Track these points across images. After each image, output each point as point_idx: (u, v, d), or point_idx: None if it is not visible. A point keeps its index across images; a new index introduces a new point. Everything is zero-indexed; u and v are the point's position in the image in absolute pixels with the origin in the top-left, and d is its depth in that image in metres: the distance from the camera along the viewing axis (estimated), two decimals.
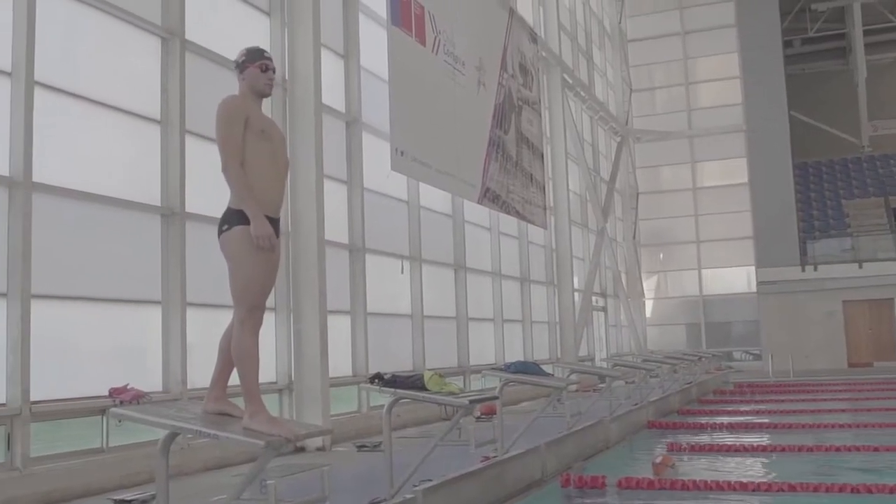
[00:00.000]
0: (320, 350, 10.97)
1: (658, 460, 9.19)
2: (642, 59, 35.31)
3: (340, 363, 12.47)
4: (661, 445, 11.58)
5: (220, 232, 4.89)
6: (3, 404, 7.47)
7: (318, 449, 10.60)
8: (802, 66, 37.20)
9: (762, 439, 12.26)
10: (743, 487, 8.05)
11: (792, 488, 7.95)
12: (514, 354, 19.22)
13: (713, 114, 33.95)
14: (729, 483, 8.11)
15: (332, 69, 12.91)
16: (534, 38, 21.38)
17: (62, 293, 8.37)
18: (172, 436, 4.37)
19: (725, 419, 14.64)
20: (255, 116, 5.00)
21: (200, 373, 9.44)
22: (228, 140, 4.85)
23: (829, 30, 36.97)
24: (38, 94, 8.02)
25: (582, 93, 27.58)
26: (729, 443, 11.67)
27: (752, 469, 9.84)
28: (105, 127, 9.06)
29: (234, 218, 4.83)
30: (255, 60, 5.09)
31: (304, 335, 11.03)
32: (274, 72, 5.17)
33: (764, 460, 10.51)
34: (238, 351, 4.69)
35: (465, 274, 17.29)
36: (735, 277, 33.18)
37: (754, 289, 31.67)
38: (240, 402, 4.74)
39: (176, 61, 9.79)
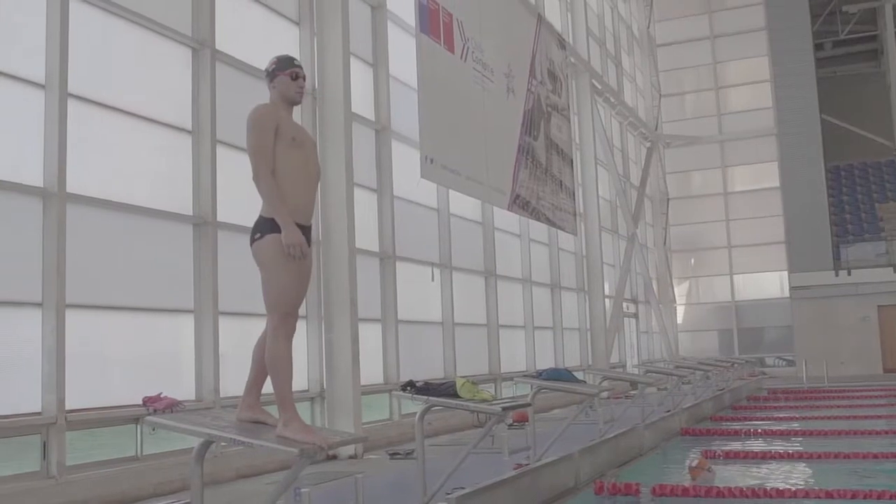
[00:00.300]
0: (352, 358, 10.99)
1: (694, 463, 9.10)
2: (671, 64, 35.14)
3: (372, 371, 12.48)
4: (694, 452, 11.48)
5: (253, 240, 4.90)
6: (38, 413, 7.53)
7: (351, 457, 10.60)
8: (834, 68, 36.83)
9: (797, 446, 12.12)
10: (779, 494, 7.95)
11: (829, 495, 7.84)
12: (545, 361, 19.16)
13: (744, 118, 33.70)
14: (765, 490, 8.02)
15: (361, 78, 12.95)
16: (562, 44, 21.33)
17: (96, 303, 8.43)
18: (207, 444, 4.38)
19: (760, 426, 14.48)
20: (286, 124, 5.01)
21: (233, 381, 9.48)
22: (259, 149, 4.86)
23: (861, 32, 36.56)
24: (72, 105, 8.10)
25: (611, 98, 27.49)
26: (764, 449, 11.54)
27: (788, 476, 9.72)
28: (137, 137, 9.13)
29: (266, 226, 4.84)
30: (285, 69, 5.10)
31: (336, 343, 11.05)
32: (304, 79, 5.17)
33: (799, 467, 10.39)
34: (271, 359, 4.69)
35: (495, 281, 17.26)
36: (767, 283, 32.87)
37: (787, 294, 31.34)
38: (273, 410, 4.74)
39: (207, 72, 9.86)
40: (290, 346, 4.75)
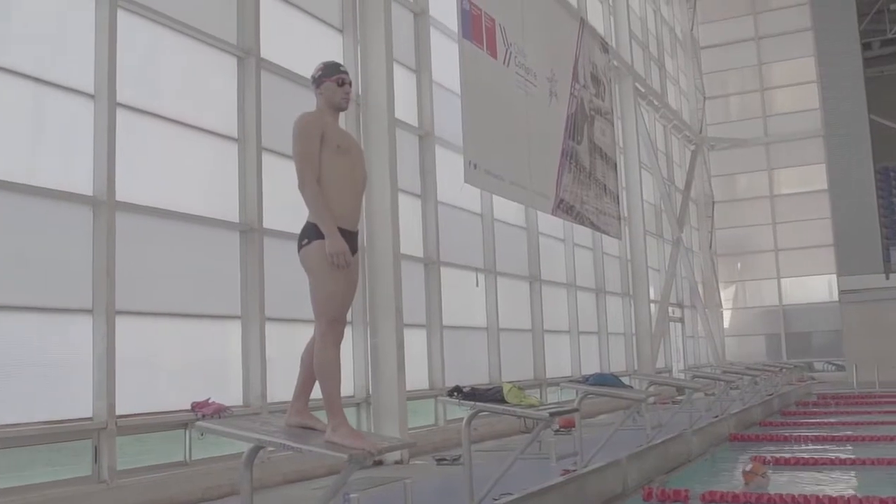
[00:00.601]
0: (397, 364, 11.01)
1: (748, 468, 8.97)
2: (715, 66, 34.81)
3: (417, 377, 12.48)
4: (744, 458, 11.34)
5: (300, 246, 4.93)
6: (90, 418, 7.62)
7: (396, 462, 10.61)
8: (881, 68, 36.22)
9: (848, 452, 11.92)
10: (832, 502, 7.82)
11: (883, 503, 7.70)
12: (590, 367, 19.04)
13: (790, 119, 33.27)
14: (818, 497, 7.89)
15: (404, 84, 12.98)
16: (605, 47, 21.23)
17: (145, 309, 8.52)
18: (256, 449, 4.40)
19: (810, 431, 14.27)
20: (332, 131, 5.02)
21: (279, 386, 9.54)
22: (304, 156, 4.88)
23: None
24: (120, 115, 8.20)
25: (655, 101, 27.31)
26: (815, 456, 11.36)
27: (840, 482, 9.57)
28: (184, 145, 9.23)
29: (313, 232, 4.86)
30: (331, 75, 5.12)
31: (381, 349, 11.08)
32: (350, 86, 5.20)
33: (851, 474, 10.22)
34: (320, 364, 4.71)
35: (539, 286, 17.20)
36: (816, 286, 32.39)
37: (836, 297, 30.87)
38: (322, 415, 4.75)
39: (252, 80, 9.94)
40: (339, 352, 4.76)
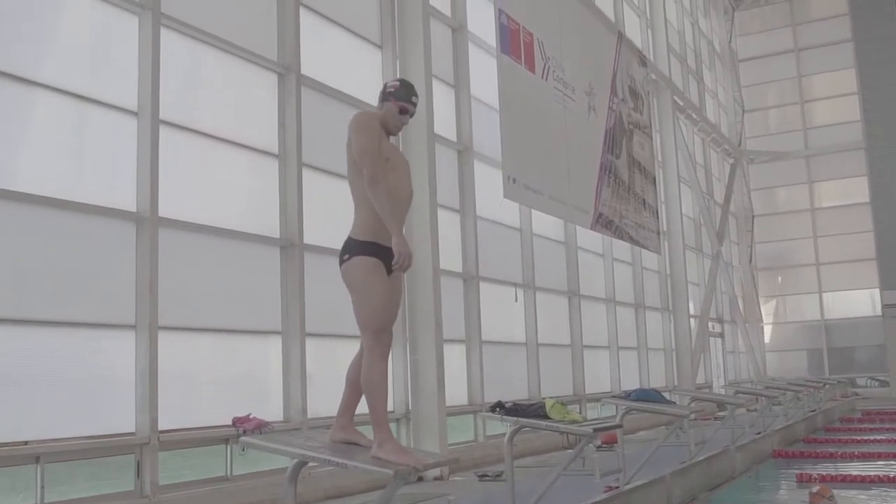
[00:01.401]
0: (437, 379, 10.97)
1: (815, 489, 8.79)
2: (754, 79, 34.54)
3: (456, 392, 12.44)
4: (787, 475, 11.17)
5: (342, 261, 4.92)
6: (132, 433, 7.66)
7: (436, 479, 10.55)
8: None
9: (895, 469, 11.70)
10: None
11: None
12: (630, 382, 18.87)
13: (830, 132, 32.89)
14: None
15: (443, 99, 13.00)
16: (643, 61, 21.14)
17: (187, 325, 8.56)
18: (301, 464, 4.38)
19: (856, 448, 14.03)
20: (384, 142, 5.01)
21: (320, 402, 9.55)
22: (370, 150, 4.84)
23: None
24: (163, 131, 8.27)
25: (693, 115, 27.15)
26: (861, 473, 11.16)
27: (886, 500, 9.38)
28: (226, 162, 9.29)
29: (354, 247, 4.86)
30: (399, 99, 5.07)
31: (421, 365, 11.05)
32: (410, 117, 5.15)
33: None
34: (367, 378, 4.69)
35: (578, 301, 17.10)
36: (858, 300, 31.91)
37: (879, 312, 30.42)
38: (366, 430, 4.73)
39: (292, 96, 9.99)
40: (386, 366, 4.75)
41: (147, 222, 7.93)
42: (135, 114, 8.14)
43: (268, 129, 9.86)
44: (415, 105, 5.15)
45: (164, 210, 8.16)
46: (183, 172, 8.68)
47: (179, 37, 8.78)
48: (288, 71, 10.03)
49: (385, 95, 5.09)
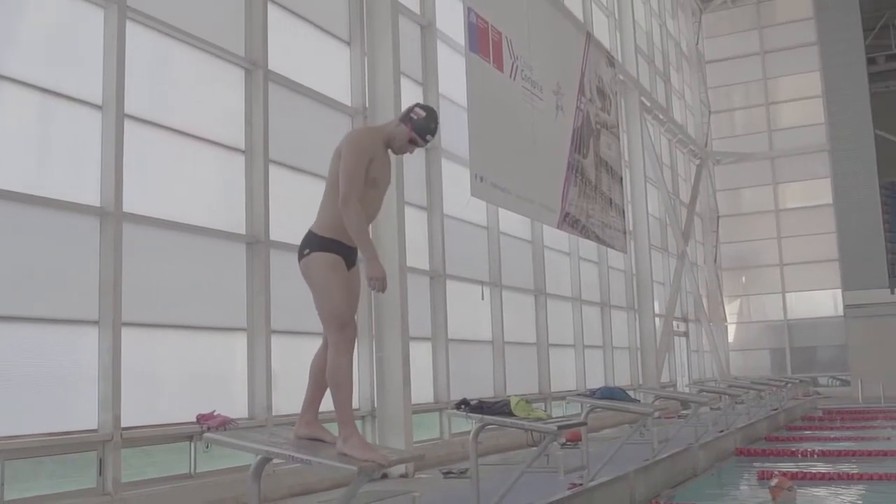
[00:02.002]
0: (403, 377, 10.98)
1: (774, 483, 8.88)
2: (721, 81, 34.81)
3: (422, 390, 12.45)
4: (749, 473, 11.29)
5: (301, 256, 4.92)
6: (94, 430, 7.59)
7: (402, 476, 10.56)
8: (887, 83, 36.21)
9: (855, 467, 11.86)
10: None
11: None
12: (595, 380, 18.96)
13: (795, 134, 33.23)
14: None
15: (411, 97, 12.96)
16: (611, 61, 21.25)
17: (151, 321, 8.50)
18: (265, 461, 4.37)
19: (816, 446, 14.21)
20: (378, 162, 4.95)
21: (285, 399, 9.51)
22: (355, 174, 4.81)
23: None
24: (128, 126, 8.20)
25: (660, 115, 27.33)
26: (822, 470, 11.31)
27: (846, 498, 9.51)
28: (192, 157, 9.23)
29: (314, 243, 4.86)
30: (416, 130, 4.99)
31: (387, 362, 11.05)
32: (418, 147, 5.10)
33: (858, 489, 10.16)
34: (333, 372, 4.68)
35: (545, 299, 17.16)
36: (821, 301, 32.28)
37: (841, 312, 30.79)
38: (332, 427, 4.72)
39: (259, 92, 9.94)
40: (351, 361, 4.74)
41: (111, 217, 7.86)
42: (99, 108, 8.06)
43: (235, 125, 9.80)
44: (427, 141, 5.09)
45: (129, 205, 8.09)
46: (148, 167, 8.61)
47: (145, 31, 8.71)
48: (255, 67, 9.98)
49: (406, 116, 5.01)
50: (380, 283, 4.75)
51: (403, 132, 4.99)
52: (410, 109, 5.06)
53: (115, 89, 8.05)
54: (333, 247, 4.85)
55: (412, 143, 5.04)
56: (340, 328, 4.76)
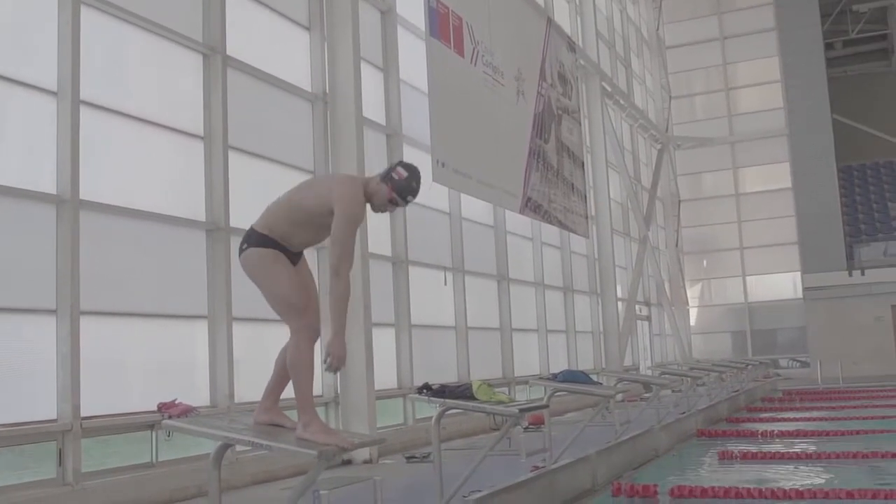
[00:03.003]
0: (366, 363, 10.97)
1: None
2: (681, 66, 35.06)
3: (385, 375, 12.44)
4: (710, 453, 11.43)
5: (240, 251, 4.88)
6: (53, 420, 7.52)
7: (365, 462, 10.58)
8: (844, 68, 36.70)
9: (813, 446, 12.04)
10: (799, 495, 7.90)
11: (850, 495, 7.78)
12: (558, 364, 19.07)
13: (754, 119, 33.59)
14: (784, 491, 7.96)
15: (371, 82, 12.94)
16: (572, 46, 21.30)
17: (110, 309, 8.43)
18: (225, 447, 4.36)
19: (776, 427, 14.41)
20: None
21: (247, 387, 9.47)
22: (350, 244, 4.64)
23: (871, 31, 36.43)
24: (84, 112, 8.10)
25: (621, 101, 27.45)
26: (781, 450, 11.47)
27: (806, 476, 9.66)
28: (150, 144, 9.13)
29: (253, 238, 4.81)
30: (397, 191, 4.83)
31: (349, 348, 10.97)
32: (398, 207, 4.95)
33: (817, 468, 10.31)
34: (293, 361, 4.66)
35: (508, 284, 17.22)
36: (780, 284, 32.73)
37: (800, 295, 31.19)
38: (294, 414, 4.71)
39: (218, 77, 9.85)
40: (312, 349, 4.71)
41: (68, 205, 7.77)
42: (55, 94, 7.96)
43: (193, 111, 9.72)
44: (408, 203, 4.93)
45: (86, 193, 8.00)
46: (106, 154, 8.52)
47: (101, 16, 8.60)
48: (213, 52, 9.88)
49: (388, 175, 4.82)
50: (338, 362, 4.50)
51: (384, 192, 4.82)
52: (392, 168, 4.87)
53: (71, 75, 7.95)
54: (272, 244, 4.79)
55: (392, 203, 4.89)
56: (298, 315, 4.73)
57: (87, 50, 8.18)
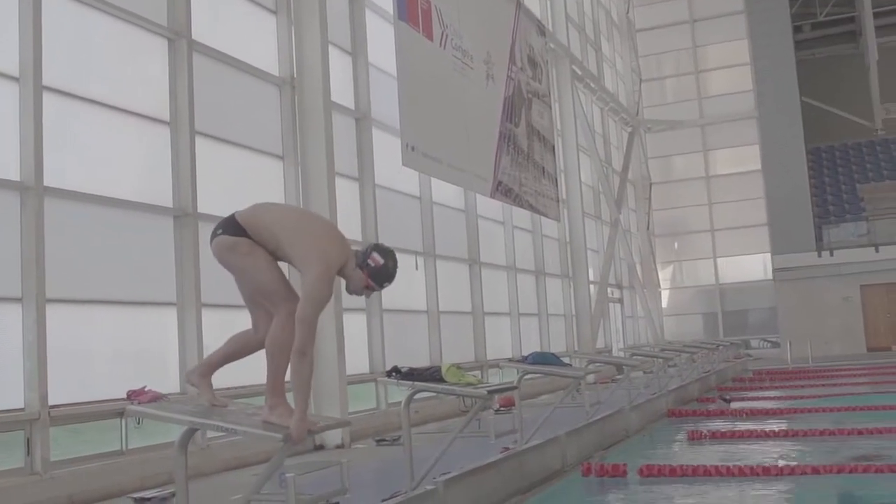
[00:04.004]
0: (337, 348, 10.96)
1: None
2: (651, 49, 35.19)
3: (357, 361, 12.43)
4: (680, 433, 11.53)
5: (214, 235, 4.80)
6: (21, 409, 7.46)
7: (338, 446, 10.58)
8: (813, 50, 36.88)
9: (783, 425, 12.18)
10: (766, 472, 7.98)
11: (815, 471, 7.88)
12: (531, 348, 19.11)
13: (724, 101, 33.79)
14: (751, 468, 8.04)
15: (340, 66, 12.89)
16: (542, 30, 21.30)
17: (78, 297, 8.37)
18: (191, 432, 4.35)
19: (745, 406, 14.55)
20: None
21: (218, 373, 9.40)
22: (315, 324, 4.52)
23: (839, 13, 36.63)
24: (47, 98, 8.01)
25: (591, 84, 27.50)
26: (750, 429, 11.58)
27: (774, 454, 9.75)
28: (115, 130, 9.06)
29: (230, 227, 4.72)
30: (373, 278, 4.73)
31: (321, 333, 10.96)
32: (371, 293, 4.86)
33: (785, 445, 10.42)
34: (276, 340, 4.54)
35: (479, 268, 17.24)
36: (751, 265, 33.02)
37: (771, 276, 31.48)
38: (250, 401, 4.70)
39: (183, 62, 9.77)
40: (293, 333, 4.59)
41: (32, 192, 7.70)
42: (16, 80, 7.86)
43: (159, 96, 9.64)
44: (382, 288, 4.85)
45: (51, 179, 7.93)
46: (70, 141, 8.45)
47: (64, 0, 8.49)
48: (178, 36, 9.80)
49: (364, 261, 4.71)
50: (297, 441, 4.31)
51: (359, 276, 4.72)
52: (367, 254, 4.75)
53: (33, 60, 7.86)
54: (246, 237, 4.72)
55: (366, 288, 4.80)
56: (284, 300, 4.64)
57: (49, 35, 8.09)
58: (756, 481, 7.79)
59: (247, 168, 10.99)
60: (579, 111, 24.73)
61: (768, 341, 32.42)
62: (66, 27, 8.54)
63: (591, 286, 24.49)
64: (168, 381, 9.15)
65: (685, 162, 34.63)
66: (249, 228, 4.70)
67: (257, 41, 11.48)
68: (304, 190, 11.25)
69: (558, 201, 21.40)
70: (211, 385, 4.82)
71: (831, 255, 29.95)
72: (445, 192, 16.00)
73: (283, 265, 4.84)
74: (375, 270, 4.71)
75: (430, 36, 14.07)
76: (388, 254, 4.77)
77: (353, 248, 4.86)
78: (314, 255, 4.60)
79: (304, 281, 4.58)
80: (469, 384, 6.64)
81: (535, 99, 19.82)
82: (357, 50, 13.56)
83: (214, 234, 4.77)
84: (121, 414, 8.30)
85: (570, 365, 11.57)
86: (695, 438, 10.88)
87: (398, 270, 4.85)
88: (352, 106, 13.25)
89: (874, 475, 7.72)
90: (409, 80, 13.10)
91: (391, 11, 13.14)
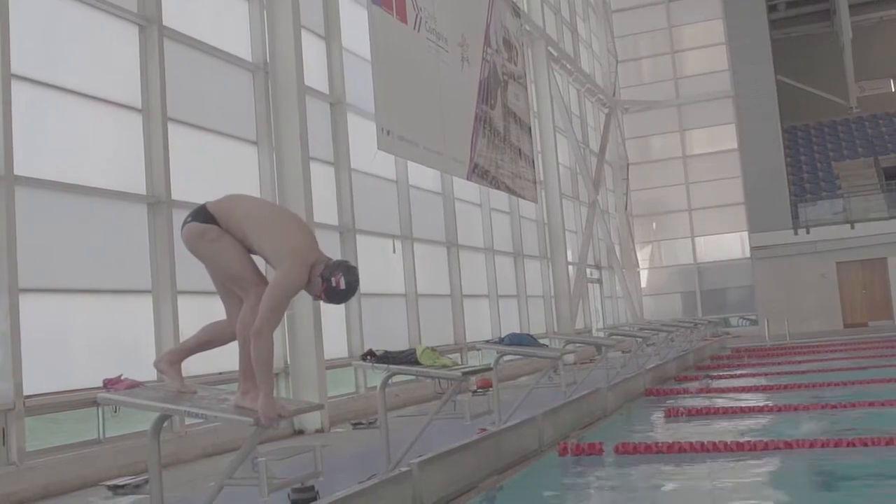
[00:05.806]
0: (314, 332, 10.97)
1: None
2: (627, 30, 35.20)
3: (336, 345, 12.45)
4: (657, 411, 11.62)
5: (184, 224, 4.79)
6: None
7: (317, 431, 10.61)
8: (787, 29, 37.02)
9: (759, 401, 12.30)
10: (739, 448, 8.07)
11: (788, 445, 7.98)
12: (511, 329, 19.12)
13: (700, 81, 33.88)
14: (725, 444, 8.12)
15: (313, 51, 12.84)
16: (517, 11, 21.27)
17: (51, 286, 8.34)
18: (163, 418, 4.36)
19: (723, 384, 14.67)
20: None
21: (193, 361, 9.38)
22: (281, 309, 4.59)
23: None
24: (16, 86, 7.95)
25: (568, 65, 27.49)
26: (726, 406, 11.68)
27: (749, 430, 9.85)
28: (86, 117, 9.01)
29: (200, 215, 4.71)
30: (327, 293, 4.72)
31: (298, 318, 11.02)
32: (318, 299, 4.87)
33: (761, 421, 10.53)
34: (248, 326, 4.57)
35: (457, 251, 17.27)
36: (728, 244, 33.19)
37: (748, 254, 31.69)
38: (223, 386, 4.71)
39: (154, 49, 9.71)
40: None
41: (2, 182, 7.64)
42: None
43: (130, 83, 9.58)
44: (338, 304, 4.92)
45: (22, 168, 7.87)
46: (41, 129, 8.39)
47: None
48: (149, 23, 9.73)
49: (329, 276, 4.70)
50: (268, 422, 4.35)
51: (318, 286, 4.72)
52: (335, 270, 4.73)
53: (1, 49, 7.77)
54: (216, 224, 4.71)
55: (318, 298, 4.82)
56: (254, 284, 4.66)
57: (17, 22, 8.01)
58: (730, 457, 7.88)
59: (221, 154, 10.95)
60: (556, 92, 24.73)
61: (747, 319, 32.66)
62: (34, 15, 8.47)
63: (570, 267, 24.57)
64: (145, 368, 9.06)
65: (662, 142, 34.73)
66: (220, 218, 4.70)
67: (229, 26, 11.41)
68: (278, 175, 11.24)
69: (535, 183, 21.43)
70: (180, 372, 4.82)
71: (808, 232, 30.19)
72: (422, 175, 16.00)
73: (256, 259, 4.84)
74: (333, 290, 4.72)
75: (404, 19, 14.04)
76: (352, 282, 4.76)
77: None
78: (286, 251, 4.64)
79: (275, 273, 4.61)
80: (444, 366, 6.67)
81: (510, 81, 19.82)
82: (331, 34, 13.50)
83: (185, 223, 4.76)
84: (98, 403, 8.28)
85: (547, 346, 11.61)
86: (671, 416, 10.98)
87: (351, 296, 4.85)
88: (326, 91, 13.21)
89: (847, 448, 7.82)
90: (384, 63, 13.08)
91: None
